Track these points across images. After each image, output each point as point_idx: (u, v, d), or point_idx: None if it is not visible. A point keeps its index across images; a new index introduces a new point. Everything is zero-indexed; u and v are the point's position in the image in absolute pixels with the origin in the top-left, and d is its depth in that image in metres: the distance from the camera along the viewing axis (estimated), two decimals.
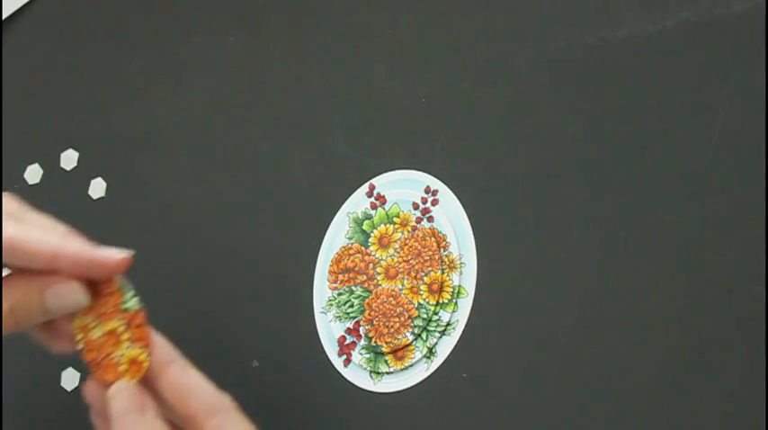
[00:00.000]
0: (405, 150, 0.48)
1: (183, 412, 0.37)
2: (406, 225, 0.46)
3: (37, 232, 0.37)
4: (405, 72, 0.49)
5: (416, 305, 0.45)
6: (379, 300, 0.46)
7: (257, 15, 0.54)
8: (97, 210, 0.56)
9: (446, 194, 0.46)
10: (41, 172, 0.57)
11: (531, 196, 0.44)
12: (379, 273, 0.46)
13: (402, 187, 0.47)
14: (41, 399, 0.46)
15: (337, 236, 0.48)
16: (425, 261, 0.45)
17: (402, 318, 0.45)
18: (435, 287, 0.45)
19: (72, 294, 0.37)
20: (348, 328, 0.46)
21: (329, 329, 0.47)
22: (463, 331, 0.44)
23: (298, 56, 0.52)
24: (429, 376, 0.44)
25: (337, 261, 0.47)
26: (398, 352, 0.45)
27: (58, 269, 0.37)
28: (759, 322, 0.38)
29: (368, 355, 0.45)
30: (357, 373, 0.46)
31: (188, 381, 0.37)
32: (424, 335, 0.44)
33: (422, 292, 0.45)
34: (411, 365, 0.44)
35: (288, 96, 0.52)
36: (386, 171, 0.48)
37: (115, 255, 0.37)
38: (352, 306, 0.46)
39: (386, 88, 0.49)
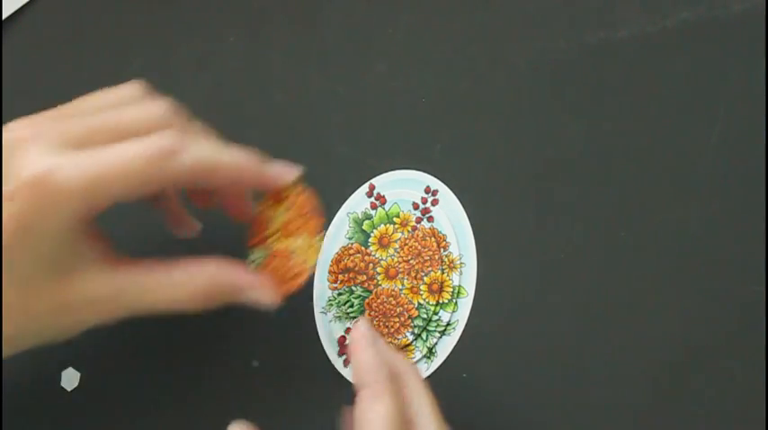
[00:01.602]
0: (405, 150, 0.48)
1: None
2: (406, 225, 0.46)
3: (225, 152, 0.40)
4: (405, 72, 0.49)
5: (416, 305, 0.45)
6: (379, 300, 0.46)
7: (257, 15, 0.54)
8: None
9: (446, 194, 0.46)
10: None
11: (531, 196, 0.44)
12: (379, 273, 0.46)
13: (402, 187, 0.47)
14: (41, 399, 0.46)
15: (337, 236, 0.48)
16: (425, 261, 0.45)
17: (402, 318, 0.45)
18: (435, 287, 0.45)
19: (264, 302, 0.41)
20: (348, 328, 0.46)
21: (329, 329, 0.47)
22: (463, 331, 0.44)
23: (298, 56, 0.52)
24: (429, 376, 0.44)
25: (337, 261, 0.47)
26: (398, 352, 0.45)
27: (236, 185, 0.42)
28: (759, 322, 0.38)
29: None
30: None
31: (357, 357, 0.38)
32: (424, 335, 0.44)
33: (422, 292, 0.45)
34: None
35: (288, 96, 0.52)
36: (386, 171, 0.48)
37: (287, 174, 0.41)
38: (352, 306, 0.46)
39: (386, 88, 0.49)
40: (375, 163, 0.48)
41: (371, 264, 0.46)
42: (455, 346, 0.44)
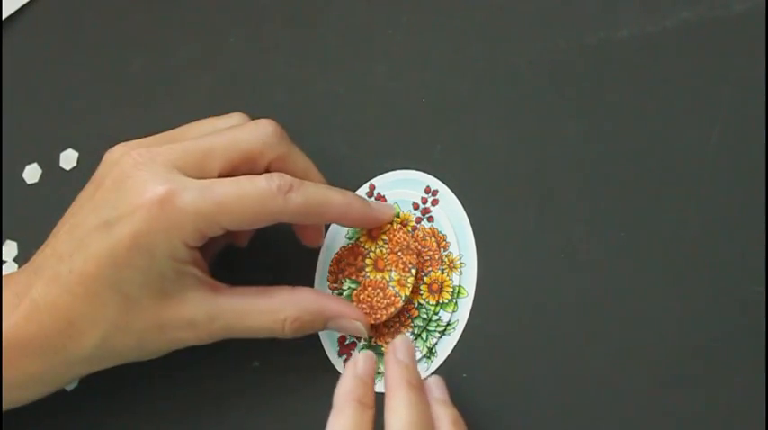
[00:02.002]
0: (405, 150, 0.48)
1: None
2: (406, 225, 0.46)
3: (333, 193, 0.43)
4: (405, 72, 0.49)
5: (416, 305, 0.45)
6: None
7: (257, 15, 0.54)
8: None
9: (446, 194, 0.46)
10: (40, 171, 0.57)
11: (531, 196, 0.44)
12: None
13: (402, 187, 0.47)
14: (41, 399, 0.46)
15: (337, 236, 0.48)
16: (425, 261, 0.45)
17: (402, 318, 0.45)
18: (435, 287, 0.45)
19: (355, 330, 0.43)
20: None
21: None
22: (463, 331, 0.44)
23: (298, 56, 0.52)
24: (429, 376, 0.44)
25: (337, 261, 0.47)
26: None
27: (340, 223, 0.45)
28: (759, 322, 0.38)
29: None
30: None
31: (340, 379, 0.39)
32: (424, 335, 0.44)
33: (422, 292, 0.45)
34: None
35: (288, 96, 0.52)
36: (386, 171, 0.48)
37: (388, 214, 0.45)
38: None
39: (386, 88, 0.49)
40: (375, 163, 0.48)
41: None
42: (455, 346, 0.44)
